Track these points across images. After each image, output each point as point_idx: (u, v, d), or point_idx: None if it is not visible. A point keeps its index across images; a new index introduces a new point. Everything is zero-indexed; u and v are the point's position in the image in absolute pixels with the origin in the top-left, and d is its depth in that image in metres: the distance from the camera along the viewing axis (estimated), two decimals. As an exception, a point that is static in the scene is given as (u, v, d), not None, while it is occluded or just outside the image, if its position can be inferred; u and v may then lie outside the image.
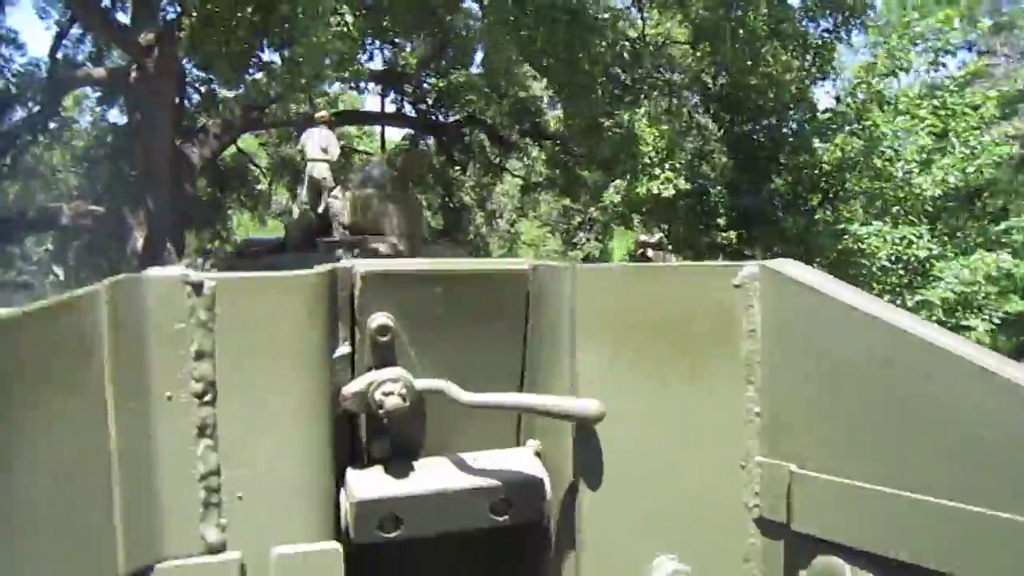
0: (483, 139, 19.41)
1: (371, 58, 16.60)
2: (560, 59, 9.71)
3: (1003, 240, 9.87)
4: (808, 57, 10.71)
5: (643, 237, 32.33)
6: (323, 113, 12.40)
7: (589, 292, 1.25)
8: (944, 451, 1.01)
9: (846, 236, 9.03)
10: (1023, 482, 0.94)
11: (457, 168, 20.90)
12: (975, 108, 9.32)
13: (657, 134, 10.26)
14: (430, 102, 16.28)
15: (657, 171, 9.96)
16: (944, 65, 9.42)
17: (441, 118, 17.08)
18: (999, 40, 20.01)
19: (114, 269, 14.79)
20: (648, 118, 10.45)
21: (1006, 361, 0.97)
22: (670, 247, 17.39)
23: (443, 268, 1.32)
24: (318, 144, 11.51)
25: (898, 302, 9.72)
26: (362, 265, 1.26)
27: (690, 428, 1.28)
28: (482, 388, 1.27)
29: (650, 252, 30.49)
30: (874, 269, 9.12)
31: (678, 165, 10.27)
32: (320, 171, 11.51)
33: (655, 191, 9.91)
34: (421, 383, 1.26)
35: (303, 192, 11.91)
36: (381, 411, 1.22)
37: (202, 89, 15.48)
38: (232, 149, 22.05)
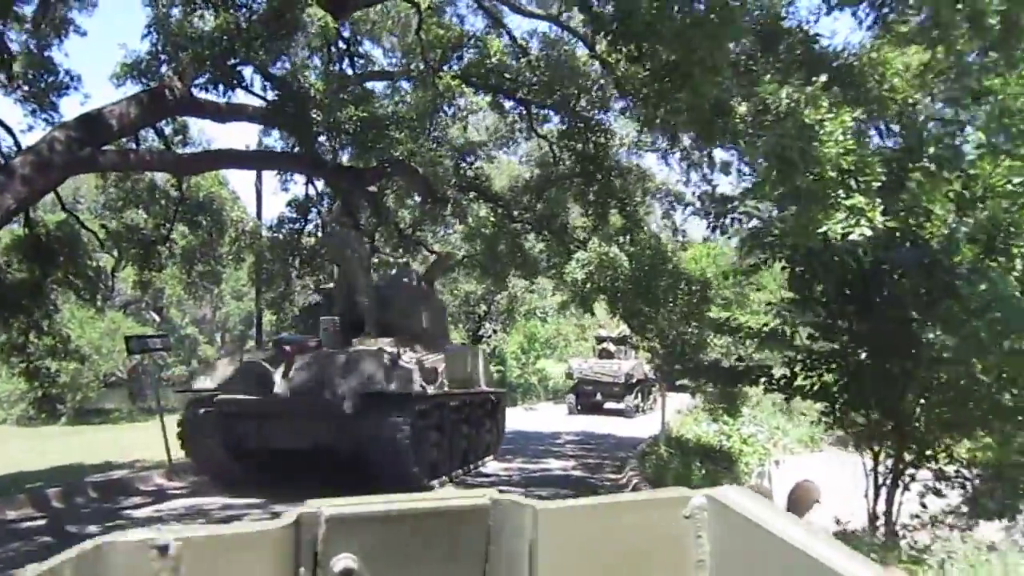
0: (397, 198, 15.43)
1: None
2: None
3: None
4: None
5: (602, 331, 28.94)
6: (345, 219, 12.94)
7: (548, 529, 1.28)
8: None
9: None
10: None
11: (364, 241, 16.67)
12: None
13: (848, 124, 5.83)
14: (337, 144, 12.10)
15: (842, 194, 5.87)
16: None
17: (346, 160, 12.93)
18: None
19: None
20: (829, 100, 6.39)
21: None
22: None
23: (407, 507, 1.31)
24: (345, 247, 11.86)
25: None
26: (327, 508, 1.23)
27: None
28: None
29: (611, 347, 27.23)
30: None
31: (874, 186, 5.89)
32: (350, 272, 11.88)
33: (839, 232, 5.69)
34: None
35: (335, 291, 12.28)
36: None
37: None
38: (59, 215, 16.95)
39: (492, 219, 13.91)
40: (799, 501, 10.71)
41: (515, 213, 14.85)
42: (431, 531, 1.31)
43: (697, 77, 6.24)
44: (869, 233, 5.69)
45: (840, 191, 5.74)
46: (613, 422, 22.83)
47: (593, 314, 16.54)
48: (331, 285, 13.46)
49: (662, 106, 7.02)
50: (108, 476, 10.87)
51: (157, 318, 39.21)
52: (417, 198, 17.52)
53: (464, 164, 14.06)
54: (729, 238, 9.24)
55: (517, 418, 24.70)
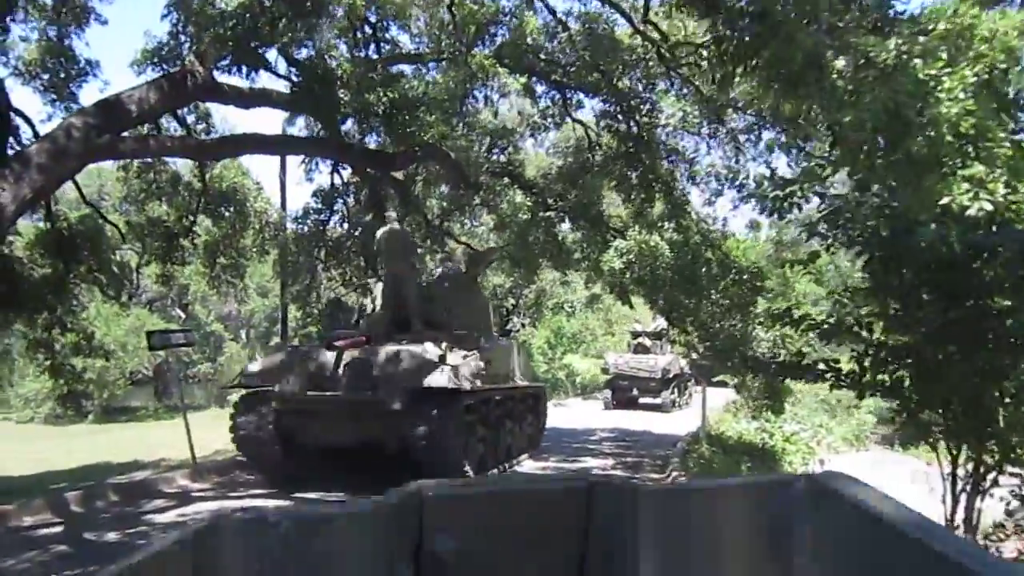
0: (425, 186, 14.83)
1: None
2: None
3: None
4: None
5: (637, 325, 28.53)
6: (393, 214, 12.62)
7: (649, 510, 1.31)
8: None
9: None
10: None
11: (412, 236, 16.15)
12: None
13: (969, 81, 4.97)
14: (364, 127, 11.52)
15: (957, 162, 5.06)
16: None
17: (373, 147, 12.33)
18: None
19: None
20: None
21: None
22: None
23: (507, 488, 1.49)
24: (393, 242, 11.76)
25: None
26: (429, 488, 1.34)
27: None
28: None
29: (647, 342, 26.65)
30: None
31: (997, 150, 4.97)
32: (396, 268, 11.78)
33: (962, 204, 4.91)
34: None
35: (382, 287, 12.09)
36: None
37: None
38: (83, 211, 16.62)
39: (528, 205, 13.27)
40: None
41: (549, 201, 14.24)
42: (530, 511, 1.34)
43: (790, 26, 5.54)
44: (990, 208, 4.96)
45: (957, 159, 5.03)
46: (647, 418, 22.15)
47: (632, 306, 15.84)
48: (370, 281, 13.50)
49: (742, 64, 6.31)
50: (130, 478, 10.41)
51: (182, 315, 39.12)
52: (445, 188, 16.98)
53: (497, 149, 13.47)
54: (787, 223, 8.53)
55: (548, 414, 24.19)
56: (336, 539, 1.22)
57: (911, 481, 10.43)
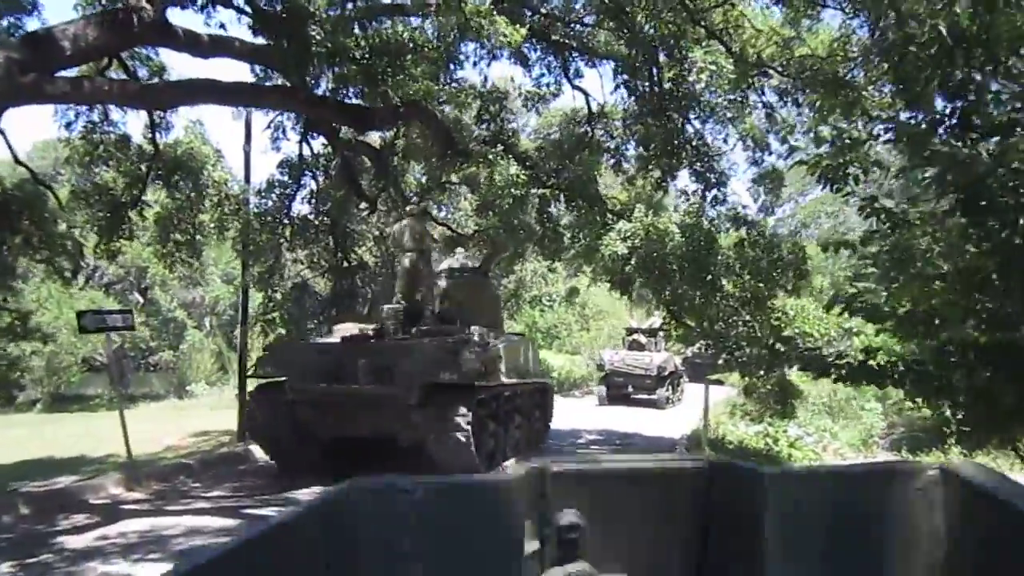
0: (404, 156, 13.28)
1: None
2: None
3: None
4: None
5: (632, 322, 28.06)
6: (413, 207, 12.33)
7: (775, 493, 1.30)
8: None
9: None
10: None
11: (364, 208, 14.58)
12: None
13: None
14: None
15: None
16: None
17: (345, 99, 10.74)
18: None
19: None
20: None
21: None
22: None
23: (628, 467, 1.46)
24: (410, 235, 11.69)
25: None
26: (553, 464, 1.39)
27: None
28: None
29: (642, 339, 25.67)
30: None
31: None
32: (412, 261, 11.80)
33: None
34: None
35: (397, 282, 12.17)
36: None
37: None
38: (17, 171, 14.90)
39: (523, 178, 11.80)
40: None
41: (542, 177, 12.80)
42: (651, 490, 1.40)
43: None
44: None
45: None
46: (638, 418, 20.80)
47: (631, 298, 14.48)
48: (383, 272, 13.68)
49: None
50: (49, 485, 8.76)
51: (141, 300, 37.01)
52: (425, 162, 15.44)
53: (487, 115, 12.02)
54: (846, 196, 7.19)
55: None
56: (466, 510, 1.26)
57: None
